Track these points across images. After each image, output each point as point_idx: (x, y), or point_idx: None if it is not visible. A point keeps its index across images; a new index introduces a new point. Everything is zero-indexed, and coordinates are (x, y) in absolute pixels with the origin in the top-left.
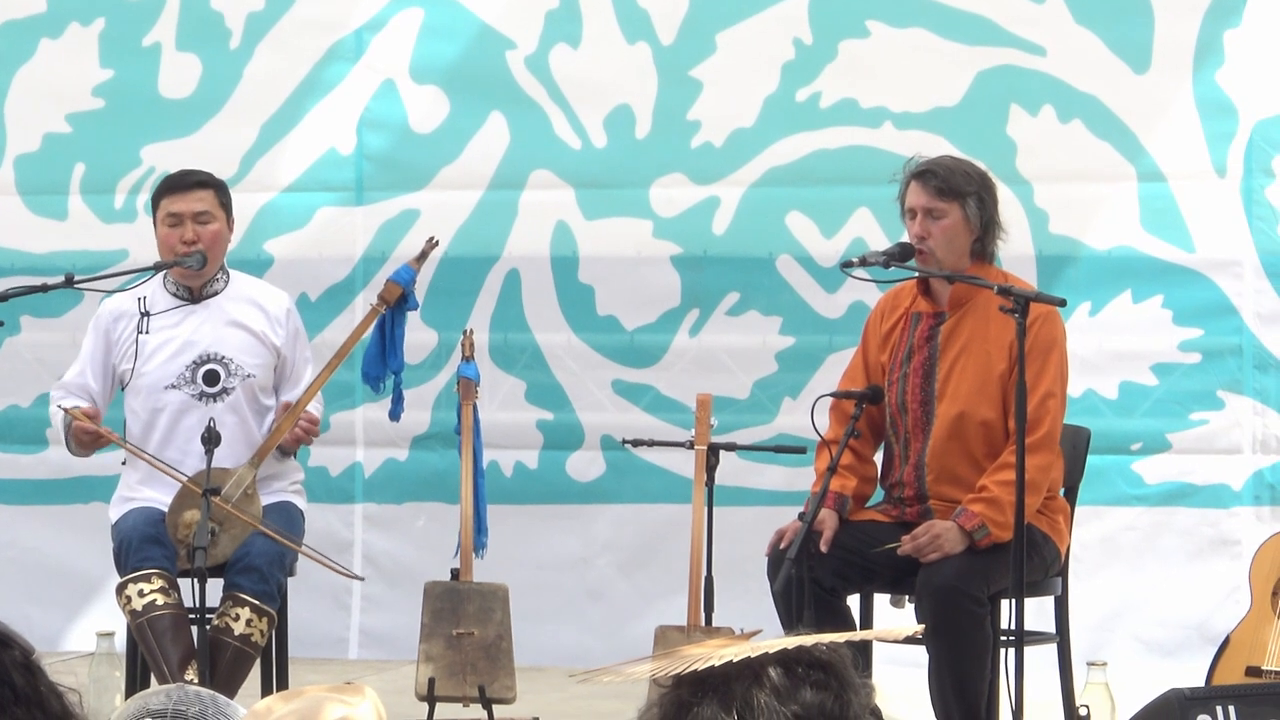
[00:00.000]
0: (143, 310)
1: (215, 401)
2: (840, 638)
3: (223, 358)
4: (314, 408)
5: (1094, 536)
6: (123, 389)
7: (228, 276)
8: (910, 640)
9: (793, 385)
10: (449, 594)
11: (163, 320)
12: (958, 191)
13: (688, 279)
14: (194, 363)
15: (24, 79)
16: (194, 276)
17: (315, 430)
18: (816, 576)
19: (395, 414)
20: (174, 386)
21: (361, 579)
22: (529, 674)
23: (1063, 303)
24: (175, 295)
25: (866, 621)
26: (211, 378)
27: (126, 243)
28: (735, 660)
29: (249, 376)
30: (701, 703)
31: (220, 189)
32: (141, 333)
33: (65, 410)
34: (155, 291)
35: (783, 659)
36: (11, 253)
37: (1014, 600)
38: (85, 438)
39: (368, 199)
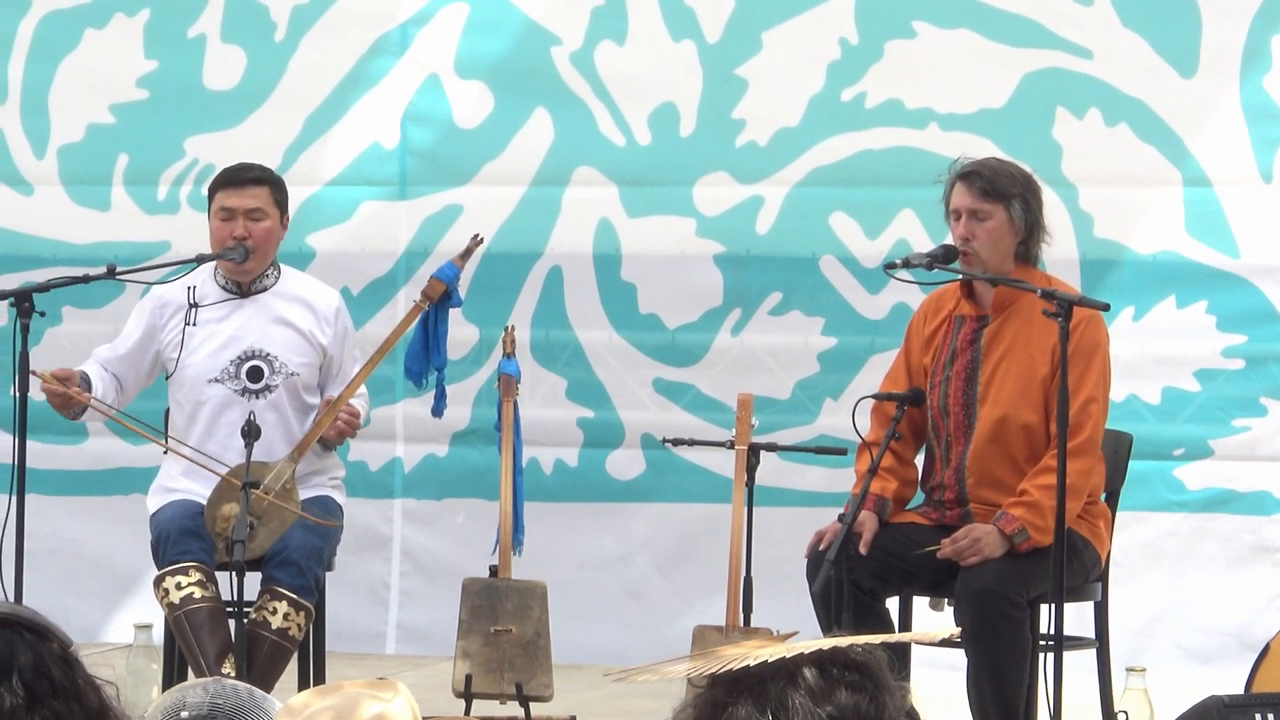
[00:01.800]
0: (191, 301)
1: (258, 398)
2: (877, 639)
3: (267, 354)
4: (358, 402)
5: (1135, 542)
6: (167, 379)
7: (278, 272)
8: (947, 643)
9: (834, 386)
10: (487, 591)
11: (210, 313)
12: (1003, 194)
13: (730, 278)
14: (239, 358)
15: (68, 69)
16: (241, 271)
17: (357, 424)
18: (856, 578)
19: (438, 410)
20: (217, 380)
21: (323, 522)
22: (566, 672)
23: (1106, 307)
24: (224, 289)
25: (905, 625)
26: (255, 374)
27: (169, 234)
28: (770, 661)
29: (293, 374)
30: (736, 703)
31: (276, 186)
32: (188, 324)
33: (34, 372)
34: (205, 283)
35: (818, 660)
36: (54, 243)
37: (1053, 605)
38: (55, 400)
39: (411, 194)
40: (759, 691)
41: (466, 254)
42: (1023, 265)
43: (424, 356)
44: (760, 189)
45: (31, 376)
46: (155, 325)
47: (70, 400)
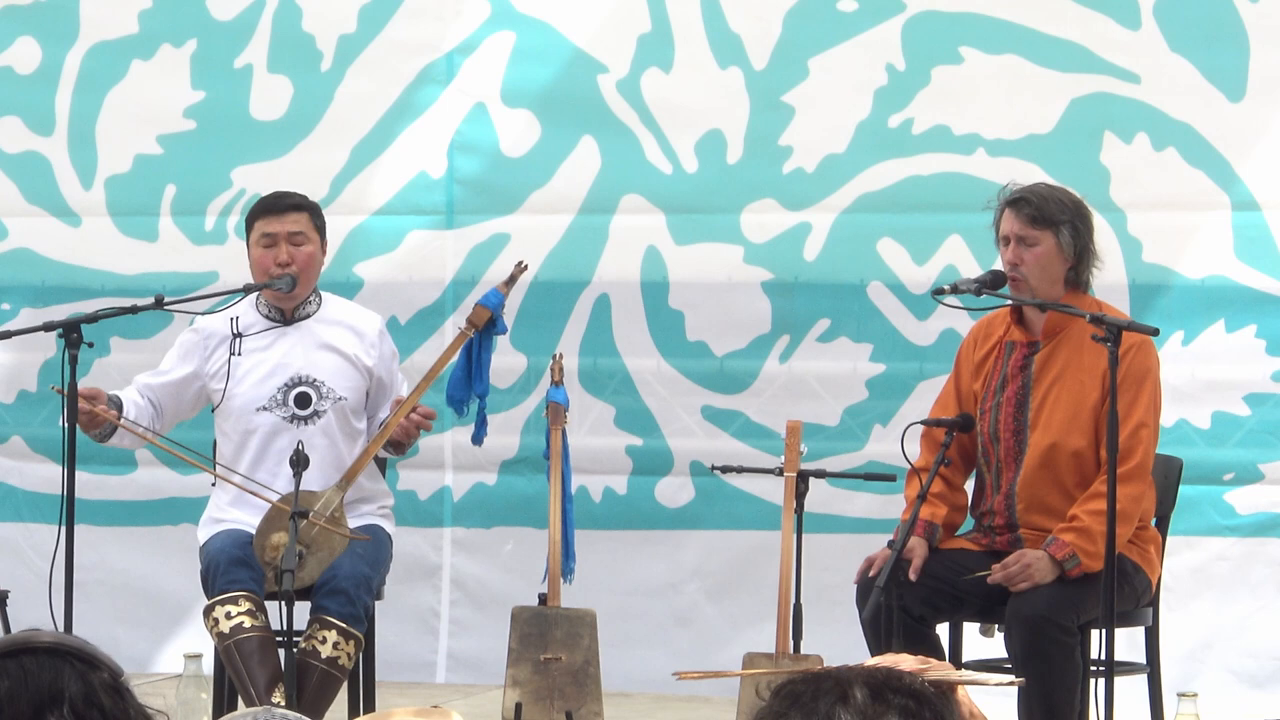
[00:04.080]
0: (235, 331)
1: (307, 424)
2: (941, 675)
3: (314, 380)
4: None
5: (1185, 567)
6: (213, 410)
7: (320, 299)
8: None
9: (883, 412)
10: (537, 619)
11: (255, 342)
12: (1051, 220)
13: (778, 305)
14: (286, 385)
15: (115, 100)
16: (286, 299)
17: (428, 425)
18: (905, 604)
19: (478, 438)
20: (265, 409)
21: (367, 539)
22: (616, 700)
23: (1156, 332)
24: (267, 317)
25: (956, 651)
26: (303, 400)
27: (216, 264)
28: (826, 673)
29: (341, 399)
30: (787, 714)
31: (315, 212)
32: (234, 354)
33: (54, 388)
34: (247, 313)
35: (872, 681)
36: (102, 274)
37: (1104, 630)
38: (81, 419)
39: (458, 222)
40: (809, 706)
41: (511, 281)
42: (1073, 291)
43: (466, 384)
44: (808, 215)
45: (51, 390)
46: (200, 358)
47: (96, 419)
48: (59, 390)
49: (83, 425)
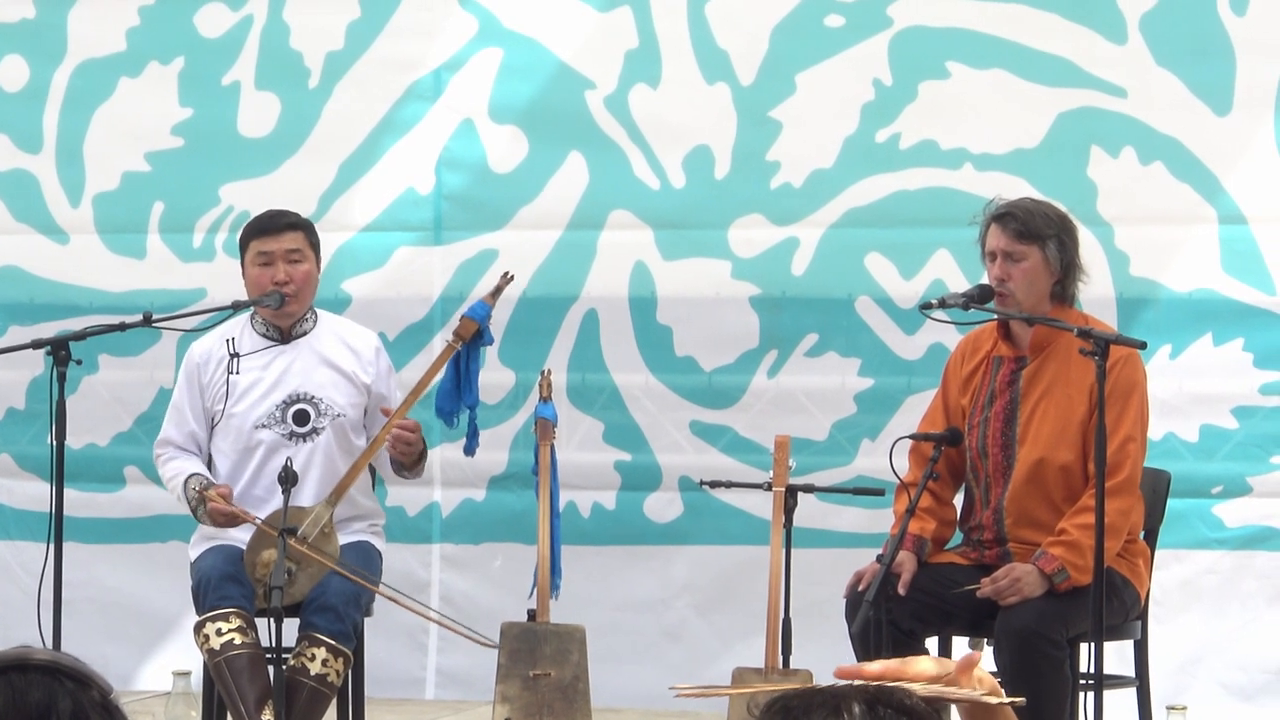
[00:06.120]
0: (231, 351)
1: (305, 441)
2: (936, 693)
3: (312, 397)
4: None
5: (1174, 580)
6: (212, 428)
7: (316, 317)
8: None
9: (871, 427)
10: (526, 635)
11: (252, 361)
12: (1037, 234)
13: (766, 320)
14: (284, 402)
15: (103, 118)
16: (282, 316)
17: (411, 438)
18: (895, 619)
19: (470, 449)
20: (264, 426)
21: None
22: (606, 715)
23: (1143, 345)
24: (264, 335)
25: None
26: (301, 417)
27: (205, 282)
28: (820, 689)
29: (339, 416)
30: None
31: (310, 230)
32: (232, 373)
33: (200, 491)
34: (243, 332)
35: (867, 696)
36: (90, 291)
37: (1093, 644)
38: (221, 520)
39: (446, 239)
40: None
41: (497, 292)
42: (1059, 305)
43: (455, 396)
44: (795, 230)
45: (184, 487)
46: (201, 385)
47: (236, 519)
48: (210, 496)
49: (220, 524)
